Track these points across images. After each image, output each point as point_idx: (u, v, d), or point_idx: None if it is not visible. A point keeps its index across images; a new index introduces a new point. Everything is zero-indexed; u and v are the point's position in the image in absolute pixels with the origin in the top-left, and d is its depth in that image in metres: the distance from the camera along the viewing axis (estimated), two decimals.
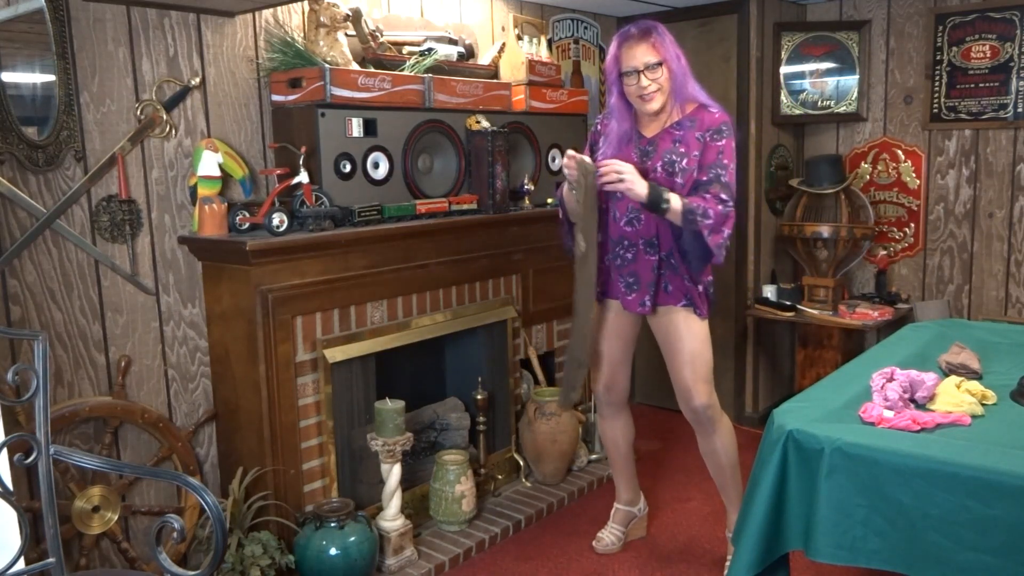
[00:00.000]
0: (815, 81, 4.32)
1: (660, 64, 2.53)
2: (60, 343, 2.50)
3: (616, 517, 3.15)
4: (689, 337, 2.71)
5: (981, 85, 3.95)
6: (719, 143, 2.57)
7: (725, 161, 2.56)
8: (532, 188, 3.49)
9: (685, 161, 2.58)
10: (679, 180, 2.57)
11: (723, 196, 2.51)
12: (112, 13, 2.52)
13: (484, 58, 3.51)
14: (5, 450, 1.85)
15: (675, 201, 2.47)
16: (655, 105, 2.58)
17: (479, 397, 3.33)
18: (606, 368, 2.92)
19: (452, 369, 3.55)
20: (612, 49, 2.61)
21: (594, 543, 3.10)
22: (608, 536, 3.10)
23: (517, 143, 3.52)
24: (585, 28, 4.27)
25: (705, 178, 2.55)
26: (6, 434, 1.91)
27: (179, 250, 2.75)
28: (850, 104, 4.29)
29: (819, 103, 4.34)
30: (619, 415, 3.02)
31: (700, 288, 2.69)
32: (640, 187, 2.46)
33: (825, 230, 4.09)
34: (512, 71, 3.48)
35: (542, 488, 3.54)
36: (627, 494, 3.14)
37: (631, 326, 2.87)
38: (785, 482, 2.06)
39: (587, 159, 2.55)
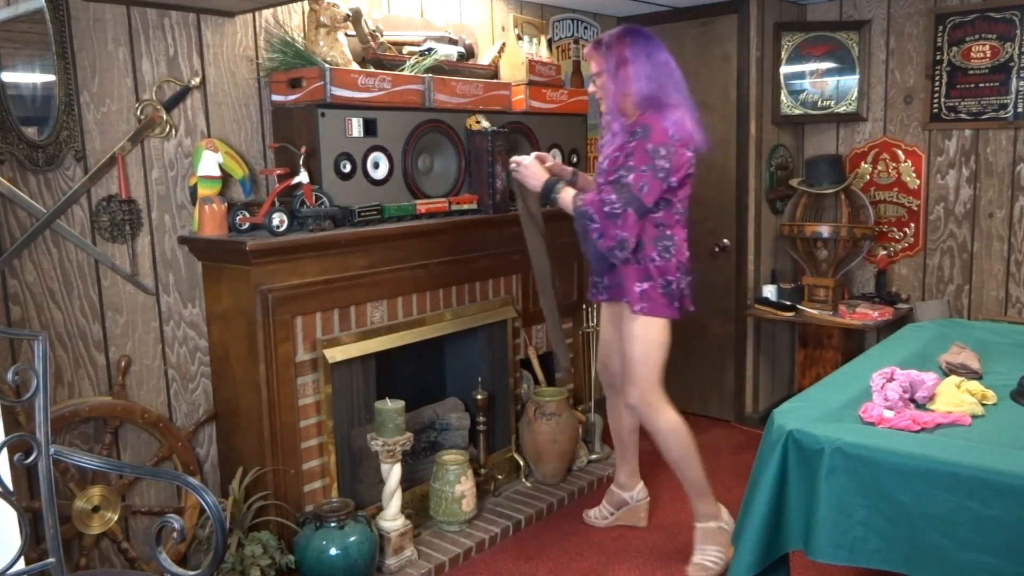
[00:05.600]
0: (815, 81, 4.32)
1: (598, 75, 2.78)
2: (60, 343, 2.50)
3: (608, 497, 3.27)
4: (628, 336, 2.84)
5: (981, 85, 3.95)
6: (631, 144, 2.65)
7: (631, 163, 2.64)
8: None
9: (607, 163, 2.75)
10: (600, 179, 2.77)
11: (612, 198, 2.63)
12: (112, 13, 2.52)
13: (484, 58, 3.51)
14: (5, 450, 1.85)
15: (565, 196, 2.75)
16: (602, 107, 2.83)
17: (479, 397, 3.33)
18: (601, 349, 3.19)
19: (452, 369, 3.55)
20: None
21: (583, 514, 3.30)
22: (595, 511, 3.27)
23: (517, 143, 3.52)
24: (585, 28, 4.27)
25: (612, 178, 2.67)
26: (6, 434, 1.91)
27: (179, 250, 2.75)
28: (850, 104, 4.29)
29: (819, 103, 4.34)
30: (617, 397, 3.11)
31: (646, 285, 2.75)
32: (533, 180, 2.82)
33: (825, 230, 4.10)
34: (512, 71, 3.48)
35: (542, 488, 3.54)
36: (622, 477, 3.24)
37: (619, 314, 2.95)
38: (785, 482, 2.06)
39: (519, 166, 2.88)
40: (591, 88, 2.87)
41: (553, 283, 2.99)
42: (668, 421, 2.85)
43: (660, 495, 3.53)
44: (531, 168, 2.84)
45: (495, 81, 3.41)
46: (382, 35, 3.10)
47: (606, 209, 2.63)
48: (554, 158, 3.53)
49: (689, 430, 2.89)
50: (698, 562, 2.89)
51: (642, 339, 2.78)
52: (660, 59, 2.70)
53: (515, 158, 2.91)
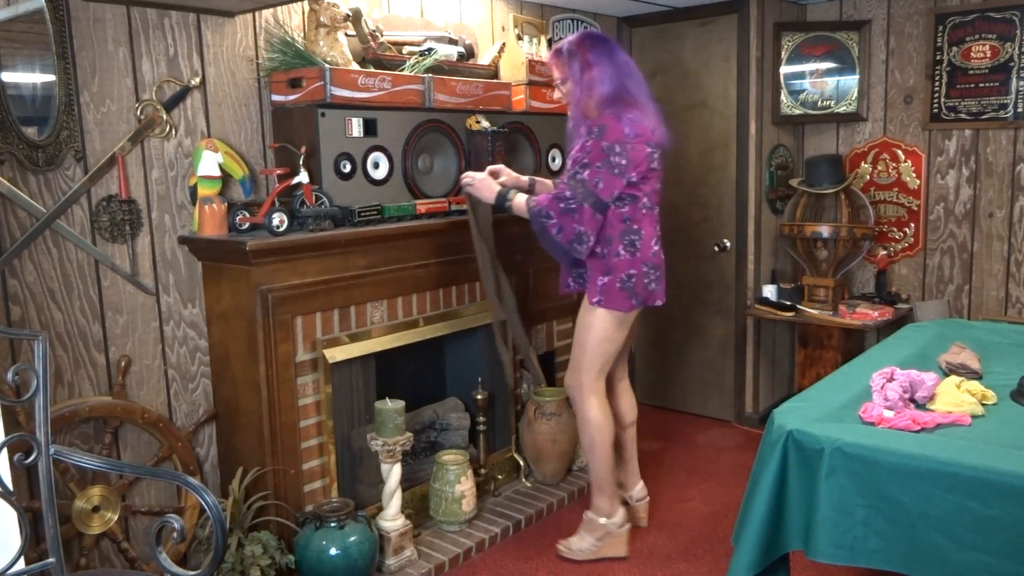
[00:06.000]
0: (815, 81, 4.32)
1: (563, 82, 2.84)
2: (60, 343, 2.50)
3: None
4: (581, 323, 2.93)
5: (981, 85, 3.95)
6: (588, 143, 2.73)
7: (586, 160, 2.72)
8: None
9: (570, 163, 2.81)
10: (563, 179, 2.82)
11: (567, 194, 2.71)
12: (112, 13, 2.52)
13: (484, 58, 3.51)
14: (5, 450, 1.85)
15: (518, 201, 2.82)
16: (570, 112, 2.87)
17: (479, 397, 3.33)
18: None
19: (452, 369, 3.55)
20: None
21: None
22: None
23: (517, 143, 3.52)
24: (585, 28, 4.26)
25: (569, 174, 2.75)
26: (6, 434, 1.91)
27: (179, 250, 2.75)
28: (850, 104, 4.30)
29: (819, 103, 4.34)
30: (612, 397, 3.13)
31: (607, 280, 2.82)
32: (486, 192, 2.88)
33: (825, 230, 4.10)
34: (512, 71, 3.48)
35: (542, 488, 3.54)
36: (621, 476, 3.24)
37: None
38: (785, 482, 2.06)
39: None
40: (556, 95, 2.94)
41: (500, 297, 3.07)
42: (593, 411, 2.95)
43: (660, 495, 3.53)
44: (484, 182, 2.91)
45: (495, 81, 3.41)
46: (382, 35, 3.10)
47: (561, 205, 2.71)
48: (555, 165, 3.57)
49: (610, 426, 2.98)
50: (571, 542, 3.03)
51: (594, 330, 2.88)
52: (621, 60, 2.80)
53: (467, 174, 2.97)
